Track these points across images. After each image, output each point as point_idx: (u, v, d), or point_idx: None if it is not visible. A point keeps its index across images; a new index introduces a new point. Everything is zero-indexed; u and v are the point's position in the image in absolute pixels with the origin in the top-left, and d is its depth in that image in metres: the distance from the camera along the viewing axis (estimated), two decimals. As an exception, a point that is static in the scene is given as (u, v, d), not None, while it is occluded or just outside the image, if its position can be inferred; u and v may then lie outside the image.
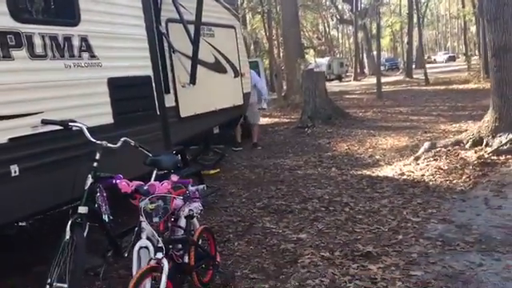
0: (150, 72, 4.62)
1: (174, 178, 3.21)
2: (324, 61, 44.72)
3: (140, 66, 4.56)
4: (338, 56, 57.07)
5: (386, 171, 6.40)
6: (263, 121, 14.79)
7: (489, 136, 6.17)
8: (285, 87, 20.85)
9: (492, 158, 5.84)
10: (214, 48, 7.09)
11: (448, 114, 11.48)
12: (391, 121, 11.24)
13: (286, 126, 12.69)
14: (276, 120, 14.82)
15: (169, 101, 5.87)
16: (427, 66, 50.88)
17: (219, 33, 7.25)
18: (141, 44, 4.56)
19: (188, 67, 6.22)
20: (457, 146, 6.44)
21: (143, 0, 4.69)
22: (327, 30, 59.21)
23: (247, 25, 30.49)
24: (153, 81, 4.65)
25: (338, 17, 48.63)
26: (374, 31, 59.23)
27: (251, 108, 8.94)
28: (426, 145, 6.67)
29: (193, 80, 5.91)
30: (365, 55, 50.06)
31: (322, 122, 11.27)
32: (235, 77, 7.70)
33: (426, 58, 65.62)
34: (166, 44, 5.81)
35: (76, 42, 3.84)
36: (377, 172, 6.47)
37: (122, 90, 4.16)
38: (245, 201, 5.74)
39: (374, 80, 30.31)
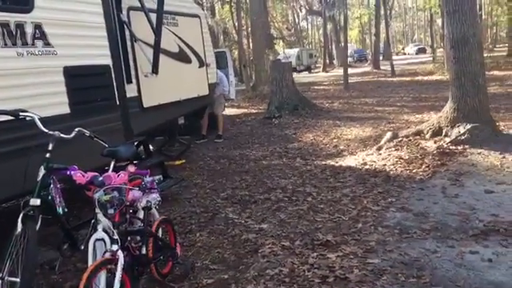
0: (108, 61, 4.51)
1: (131, 168, 3.16)
2: (293, 52, 44.91)
3: (98, 54, 4.44)
4: (307, 47, 57.35)
5: (350, 161, 6.48)
6: (231, 111, 14.77)
7: (448, 126, 6.32)
8: (254, 78, 20.81)
9: (450, 147, 5.99)
10: (178, 37, 7.02)
11: (412, 104, 11.70)
12: (357, 111, 11.38)
13: (254, 116, 12.68)
14: (244, 111, 14.78)
15: (131, 91, 5.78)
16: (397, 57, 51.91)
17: (183, 22, 7.17)
18: (99, 32, 4.44)
19: (151, 57, 6.14)
20: (418, 136, 6.57)
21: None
22: (297, 20, 59.41)
23: (216, 14, 30.27)
24: (112, 70, 4.55)
25: (308, 8, 48.74)
26: (342, 23, 59.83)
27: (216, 99, 8.92)
28: (389, 135, 6.79)
29: (155, 70, 5.83)
30: (334, 46, 50.39)
31: (288, 113, 11.32)
32: (200, 67, 7.65)
33: (400, 49, 66.55)
34: (127, 33, 5.74)
35: (29, 30, 3.71)
36: (340, 162, 6.54)
37: (79, 79, 4.06)
38: (209, 191, 5.72)
39: (342, 71, 30.67)
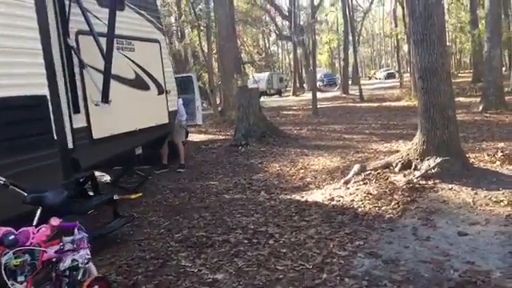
0: (45, 91, 4.03)
1: (55, 221, 2.68)
2: (264, 76, 45.01)
3: (31, 83, 3.95)
4: (278, 71, 57.70)
5: (316, 196, 6.11)
6: (198, 137, 14.33)
7: (417, 159, 6.05)
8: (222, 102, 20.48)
9: (420, 182, 5.70)
10: (135, 63, 6.60)
11: (380, 132, 11.52)
12: (325, 139, 11.11)
13: (221, 143, 12.28)
14: (211, 137, 14.37)
15: (78, 121, 5.32)
16: (366, 82, 52.61)
17: (141, 47, 6.76)
18: (33, 59, 3.97)
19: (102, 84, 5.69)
20: (386, 169, 6.28)
21: (39, 10, 4.08)
22: (267, 45, 59.82)
23: (185, 38, 29.95)
24: (49, 101, 4.06)
25: (277, 33, 49.11)
26: (311, 48, 60.56)
27: (175, 127, 8.48)
28: (356, 168, 6.47)
29: (105, 98, 5.37)
30: (304, 71, 50.78)
31: (255, 140, 10.96)
32: (159, 94, 7.21)
33: (372, 74, 67.32)
34: (76, 59, 5.29)
35: None
36: (306, 197, 6.17)
37: (4, 112, 3.56)
38: (163, 232, 5.23)
39: (312, 95, 30.72)
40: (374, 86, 38.85)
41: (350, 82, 36.99)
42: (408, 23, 5.89)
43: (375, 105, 20.16)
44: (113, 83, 6.02)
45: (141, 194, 7.01)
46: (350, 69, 41.69)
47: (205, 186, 7.46)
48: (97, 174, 8.82)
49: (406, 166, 6.14)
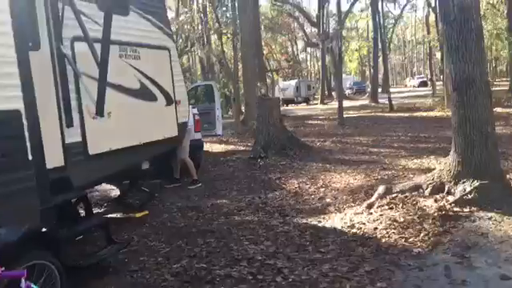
0: (18, 105, 3.53)
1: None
2: (291, 83, 44.43)
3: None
4: (305, 79, 57.03)
5: (335, 221, 5.46)
6: (218, 148, 13.85)
7: (451, 182, 5.33)
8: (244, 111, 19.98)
9: (455, 209, 4.98)
10: (140, 72, 6.12)
11: (410, 146, 10.73)
12: (350, 153, 10.40)
13: (240, 154, 11.73)
14: (231, 147, 13.85)
15: (71, 136, 4.86)
16: (396, 89, 51.27)
17: (148, 55, 6.28)
18: (5, 68, 3.47)
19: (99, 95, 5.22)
20: (415, 192, 5.58)
21: (14, 14, 3.60)
22: (296, 52, 59.33)
23: (211, 45, 29.64)
24: (23, 116, 3.56)
25: (306, 40, 48.45)
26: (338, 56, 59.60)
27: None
28: (381, 189, 5.79)
29: (100, 110, 4.87)
30: (332, 78, 49.94)
31: (275, 153, 10.36)
32: (168, 105, 6.72)
33: (407, 82, 65.54)
34: (70, 67, 4.84)
35: None
36: (324, 221, 5.53)
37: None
38: (161, 260, 4.69)
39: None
40: (405, 95, 37.71)
41: (380, 90, 36.00)
42: (441, 29, 5.18)
43: (405, 115, 19.25)
44: (114, 94, 5.59)
45: (147, 213, 6.55)
46: (381, 76, 40.68)
47: (216, 204, 6.89)
48: (106, 187, 8.49)
49: (438, 189, 5.42)
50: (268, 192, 7.44)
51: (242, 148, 13.23)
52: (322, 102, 38.38)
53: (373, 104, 28.65)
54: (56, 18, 4.72)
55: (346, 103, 32.15)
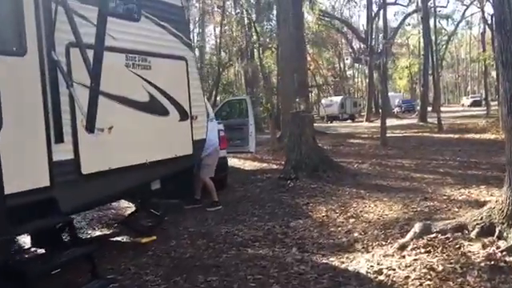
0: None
1: None
2: (337, 100, 43.44)
3: None
4: (351, 95, 55.84)
5: (360, 263, 4.62)
6: (250, 165, 13.23)
7: (503, 224, 4.39)
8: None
9: (506, 259, 4.05)
10: (150, 84, 5.57)
11: (457, 172, 9.65)
12: (389, 178, 9.45)
13: (271, 173, 11.04)
14: (264, 165, 13.18)
15: (61, 152, 4.36)
16: (448, 109, 49.02)
17: (160, 65, 5.75)
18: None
19: (102, 106, 4.71)
20: (459, 233, 4.66)
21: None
22: (342, 68, 58.30)
23: (255, 59, 29.24)
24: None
25: (353, 56, 47.39)
26: (390, 72, 58.11)
27: (203, 159, 7.34)
28: (418, 227, 4.90)
29: (90, 126, 4.31)
30: (379, 96, 48.49)
31: (306, 175, 9.57)
32: (182, 120, 6.13)
33: (463, 101, 62.60)
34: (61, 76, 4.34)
35: None
36: (347, 262, 4.71)
37: None
38: (150, 301, 4.04)
39: (387, 122, 28.55)
40: (458, 114, 35.88)
41: (430, 109, 34.33)
42: (496, 40, 4.30)
43: (455, 136, 17.92)
44: (118, 107, 5.09)
45: (154, 238, 5.97)
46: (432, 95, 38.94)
47: (231, 232, 6.21)
48: (124, 204, 8.00)
49: (487, 231, 4.49)
50: (291, 220, 6.68)
51: (275, 166, 12.53)
52: (368, 120, 37.11)
53: (421, 123, 27.23)
54: (48, 20, 4.26)
55: (393, 122, 30.99)
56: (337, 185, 8.88)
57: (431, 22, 34.86)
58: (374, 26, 39.05)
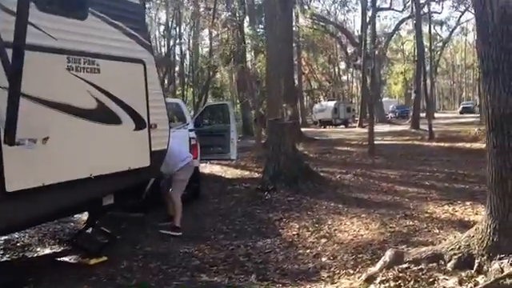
0: None
1: None
2: (330, 104, 42.94)
3: None
4: (346, 100, 55.42)
5: (322, 296, 4.09)
6: (232, 173, 12.69)
7: (483, 256, 3.85)
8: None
9: (486, 297, 3.52)
10: (98, 89, 5.02)
11: (443, 185, 9.11)
12: (370, 191, 8.90)
13: (250, 183, 10.49)
14: (246, 173, 12.64)
15: (-23, 167, 3.78)
16: (442, 115, 48.54)
17: (111, 68, 5.19)
18: None
19: (35, 114, 4.20)
20: (434, 264, 4.11)
21: None
22: (336, 72, 57.97)
23: (248, 62, 28.67)
24: None
25: (347, 60, 47.03)
26: (384, 77, 57.66)
27: (175, 174, 6.66)
28: (389, 255, 4.35)
29: (10, 136, 3.75)
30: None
31: (285, 186, 9.02)
32: (138, 129, 5.57)
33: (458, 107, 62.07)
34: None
35: None
36: (308, 295, 4.17)
37: None
38: None
39: (379, 128, 28.15)
40: (451, 121, 35.47)
41: (424, 115, 33.84)
42: (477, 46, 3.79)
43: (445, 145, 17.41)
44: (55, 115, 4.54)
45: (104, 259, 5.39)
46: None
47: (190, 253, 5.65)
48: (85, 217, 7.41)
49: (465, 263, 3.95)
50: (259, 239, 6.13)
51: (256, 175, 11.96)
52: (361, 126, 36.59)
53: (413, 130, 26.72)
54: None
55: (385, 128, 30.50)
56: (315, 197, 8.34)
57: (426, 28, 34.53)
58: (368, 31, 38.63)
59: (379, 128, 27.94)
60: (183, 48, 39.14)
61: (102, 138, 5.06)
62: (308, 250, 5.52)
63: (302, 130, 24.67)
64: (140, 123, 5.59)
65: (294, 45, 28.47)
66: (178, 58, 37.66)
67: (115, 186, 5.37)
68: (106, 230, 5.86)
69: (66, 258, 5.66)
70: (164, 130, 6.07)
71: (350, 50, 47.32)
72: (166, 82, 33.79)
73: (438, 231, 5.80)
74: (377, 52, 36.71)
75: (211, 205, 8.53)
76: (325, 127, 39.93)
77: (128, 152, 5.46)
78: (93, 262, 5.32)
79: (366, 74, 38.02)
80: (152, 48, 6.30)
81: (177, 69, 37.88)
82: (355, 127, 36.82)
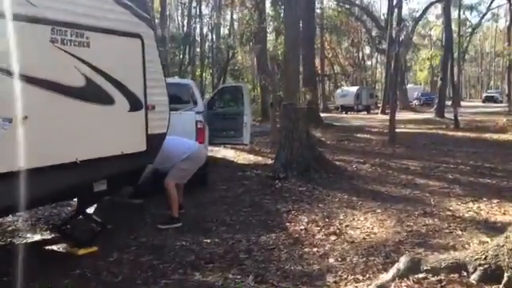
0: None
1: None
2: (352, 90, 41.97)
3: None
4: (369, 86, 54.29)
5: (325, 306, 3.60)
6: (244, 158, 12.22)
7: (514, 270, 3.30)
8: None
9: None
10: (87, 64, 4.56)
11: (467, 180, 8.45)
12: (388, 183, 8.31)
13: (262, 170, 10.00)
14: (259, 159, 12.14)
15: None
16: (469, 104, 47.07)
17: (103, 42, 4.73)
18: None
19: (12, 90, 3.78)
20: (455, 275, 3.57)
21: None
22: (360, 57, 56.75)
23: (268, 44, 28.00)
24: None
25: (371, 45, 45.76)
26: (409, 64, 56.07)
27: (168, 157, 6.10)
28: (403, 262, 3.81)
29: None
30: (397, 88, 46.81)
31: (297, 174, 8.50)
32: (133, 110, 5.12)
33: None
34: None
35: None
36: (309, 304, 3.68)
37: None
38: None
39: (403, 115, 27.28)
40: (477, 110, 34.27)
41: (449, 103, 32.72)
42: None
43: (472, 135, 16.58)
44: (36, 91, 4.14)
45: (94, 250, 5.01)
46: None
47: (187, 246, 5.21)
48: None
49: (492, 276, 3.40)
50: (263, 233, 5.65)
51: (270, 161, 11.44)
52: (383, 112, 35.63)
53: (438, 119, 25.77)
54: None
55: (409, 115, 29.60)
56: (328, 188, 7.80)
57: (455, 12, 33.22)
58: (394, 14, 37.35)
59: (402, 115, 27.10)
60: (204, 29, 38.64)
61: (90, 120, 4.63)
62: (315, 249, 5.02)
63: (322, 115, 24.02)
64: (136, 104, 5.15)
65: (316, 27, 27.61)
66: (197, 38, 37.11)
67: (106, 171, 4.95)
68: (96, 218, 5.45)
69: (54, 247, 5.30)
70: (163, 111, 5.61)
71: (376, 34, 46.02)
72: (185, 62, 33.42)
73: (460, 233, 5.22)
74: (403, 36, 35.49)
75: (218, 192, 8.08)
76: (346, 113, 39.05)
77: (121, 135, 5.03)
78: (81, 252, 4.95)
79: (391, 59, 37.04)
80: (151, 21, 5.80)
81: (197, 50, 37.43)
82: (377, 114, 35.88)
